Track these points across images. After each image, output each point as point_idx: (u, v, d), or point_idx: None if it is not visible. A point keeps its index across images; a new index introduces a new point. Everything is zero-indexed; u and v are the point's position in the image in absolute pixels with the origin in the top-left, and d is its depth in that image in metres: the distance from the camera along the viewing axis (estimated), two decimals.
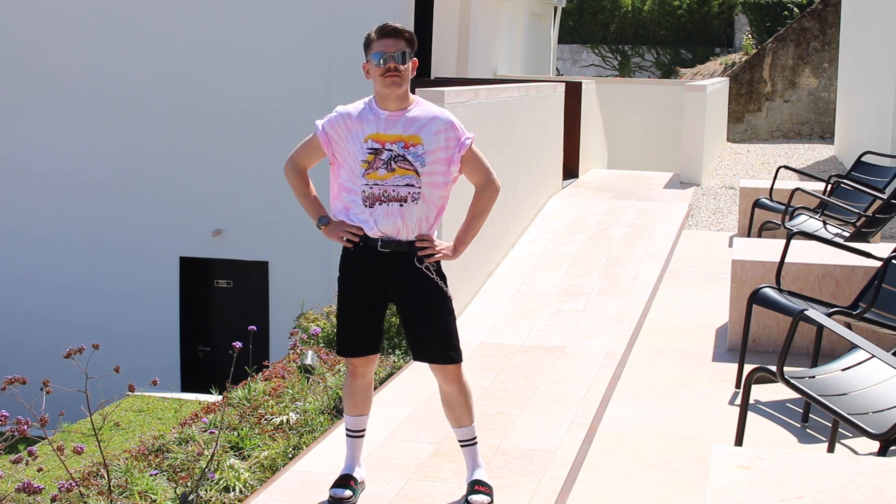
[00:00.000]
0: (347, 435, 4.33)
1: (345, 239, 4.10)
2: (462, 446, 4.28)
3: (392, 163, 4.00)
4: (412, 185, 4.01)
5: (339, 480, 4.27)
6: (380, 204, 4.01)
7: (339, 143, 4.10)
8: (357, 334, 4.19)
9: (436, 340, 4.11)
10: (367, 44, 4.08)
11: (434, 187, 4.06)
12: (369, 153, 4.02)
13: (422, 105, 4.12)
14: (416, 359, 4.24)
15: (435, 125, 4.06)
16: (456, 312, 7.45)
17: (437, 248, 4.10)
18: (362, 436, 4.34)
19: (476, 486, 4.20)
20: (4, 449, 4.45)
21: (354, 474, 4.30)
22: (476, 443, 4.28)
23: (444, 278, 4.17)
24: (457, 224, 4.35)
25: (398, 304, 4.17)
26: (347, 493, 4.21)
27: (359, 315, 4.17)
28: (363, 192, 4.02)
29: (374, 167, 4.01)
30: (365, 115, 4.08)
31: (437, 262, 4.15)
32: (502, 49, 19.01)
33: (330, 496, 4.23)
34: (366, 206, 4.03)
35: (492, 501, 4.20)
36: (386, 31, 4.05)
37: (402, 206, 4.01)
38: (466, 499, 4.19)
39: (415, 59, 4.10)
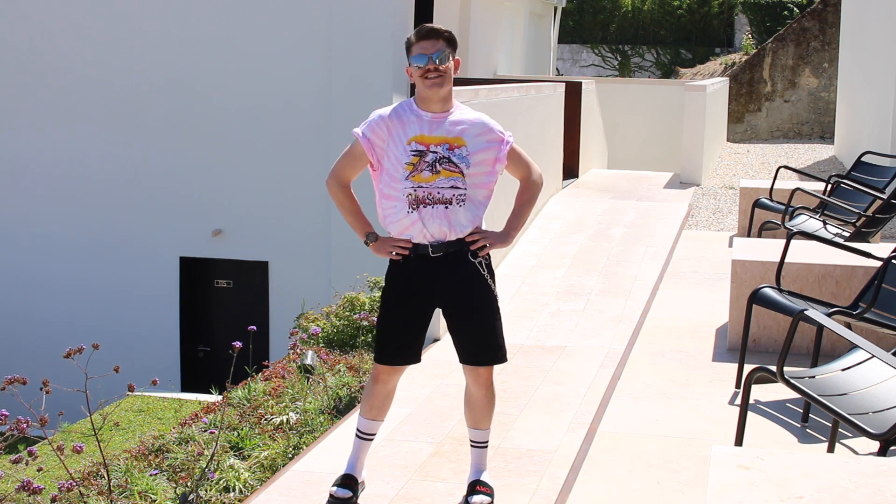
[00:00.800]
0: (357, 436, 4.29)
1: (394, 253, 4.06)
2: (472, 446, 4.26)
3: (437, 165, 3.98)
4: (457, 188, 4.00)
5: (341, 480, 4.25)
6: (425, 207, 3.99)
7: (382, 147, 4.03)
8: (401, 346, 4.15)
9: (485, 339, 4.09)
10: (408, 47, 4.05)
11: (479, 188, 4.07)
12: (414, 155, 3.99)
13: (462, 109, 4.13)
14: (462, 362, 4.17)
15: (477, 128, 4.07)
16: None
17: (489, 238, 4.08)
18: (371, 440, 4.32)
19: (477, 487, 4.20)
20: (4, 449, 4.45)
21: (356, 475, 4.28)
22: (486, 447, 4.27)
23: (493, 276, 4.16)
24: (499, 217, 4.34)
25: (447, 305, 4.11)
26: (348, 493, 4.20)
27: (406, 328, 4.13)
28: (408, 195, 3.98)
29: (418, 169, 3.98)
30: (406, 117, 4.04)
31: (489, 259, 4.14)
32: (502, 49, 19.02)
33: (330, 495, 4.22)
34: (410, 210, 3.99)
35: (492, 502, 4.19)
36: (423, 33, 4.03)
37: (447, 208, 3.99)
38: (467, 499, 4.19)
39: (457, 58, 4.08)
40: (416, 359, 4.20)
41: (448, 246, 4.04)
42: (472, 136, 4.05)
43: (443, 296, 4.10)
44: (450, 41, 4.04)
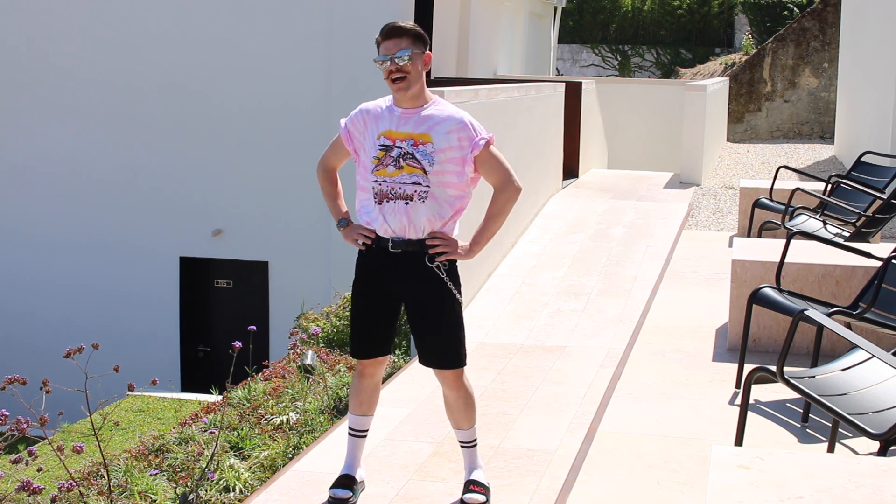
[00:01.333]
0: (350, 434, 4.30)
1: (359, 242, 4.08)
2: (461, 447, 4.29)
3: (400, 160, 3.98)
4: (419, 184, 3.97)
5: (339, 481, 4.25)
6: (387, 201, 4.00)
7: (359, 140, 4.09)
8: (369, 337, 4.16)
9: (437, 343, 4.09)
10: (377, 45, 4.05)
11: (445, 186, 4.00)
12: (380, 149, 4.01)
13: (439, 104, 4.07)
14: (421, 362, 4.22)
15: (448, 124, 4.01)
16: None
17: (450, 247, 4.03)
18: (365, 436, 4.32)
19: (471, 486, 4.20)
20: (4, 449, 4.45)
21: (354, 474, 4.28)
22: (475, 445, 4.27)
23: (456, 281, 4.11)
24: (474, 225, 4.32)
25: (407, 304, 4.13)
26: (347, 493, 4.20)
27: (371, 318, 4.15)
28: (373, 188, 4.02)
29: (383, 164, 3.99)
30: (382, 111, 4.08)
31: (451, 264, 4.09)
32: (502, 49, 19.01)
33: (329, 497, 4.22)
34: (375, 202, 4.02)
35: (487, 501, 4.19)
36: (386, 32, 4.02)
37: (407, 204, 3.98)
38: (462, 499, 4.19)
39: (427, 53, 4.05)
40: (386, 350, 4.22)
41: (408, 244, 4.02)
42: (442, 133, 3.99)
43: (403, 294, 4.12)
44: (416, 38, 4.00)
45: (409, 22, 4.07)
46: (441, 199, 4.01)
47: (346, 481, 4.24)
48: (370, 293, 4.13)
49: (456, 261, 4.12)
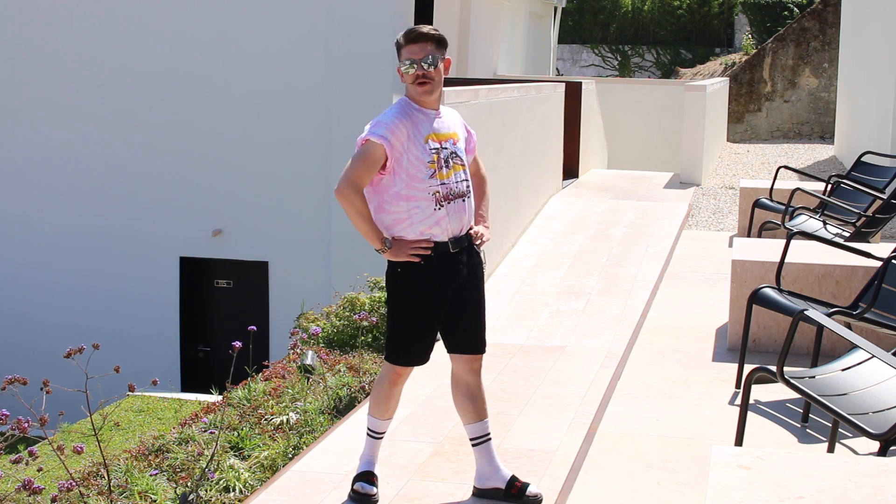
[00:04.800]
0: (370, 436, 4.30)
1: (415, 255, 4.02)
2: (480, 443, 4.22)
3: (449, 160, 4.05)
4: (466, 180, 4.10)
5: (364, 476, 4.26)
6: (448, 203, 4.02)
7: (400, 150, 3.97)
8: (425, 348, 4.15)
9: (477, 330, 4.14)
10: (398, 49, 4.03)
11: (471, 177, 4.21)
12: (434, 153, 4.01)
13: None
14: (451, 351, 4.18)
15: (457, 121, 4.20)
16: None
17: (484, 233, 4.20)
18: (383, 438, 4.35)
19: (517, 482, 4.19)
20: (4, 449, 4.45)
21: (374, 470, 4.31)
22: (491, 437, 4.27)
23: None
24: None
25: (456, 298, 4.11)
26: (374, 489, 4.22)
27: (433, 329, 4.13)
28: (435, 193, 3.98)
29: (438, 167, 4.01)
30: (414, 116, 4.02)
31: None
32: (502, 49, 19.02)
33: (355, 490, 4.22)
34: (436, 208, 3.99)
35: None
36: (412, 37, 4.00)
37: (464, 201, 4.08)
38: (528, 495, 4.16)
39: (448, 58, 4.08)
40: (429, 357, 4.23)
41: (464, 240, 4.10)
42: (460, 129, 4.19)
43: (457, 291, 4.11)
44: (439, 43, 4.03)
45: (430, 27, 4.08)
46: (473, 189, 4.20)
47: (370, 477, 4.26)
48: (434, 303, 4.07)
49: None
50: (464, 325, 4.12)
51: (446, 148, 4.04)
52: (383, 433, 4.31)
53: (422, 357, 4.16)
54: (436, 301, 4.08)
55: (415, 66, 3.97)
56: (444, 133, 4.06)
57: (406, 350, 4.14)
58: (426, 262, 4.04)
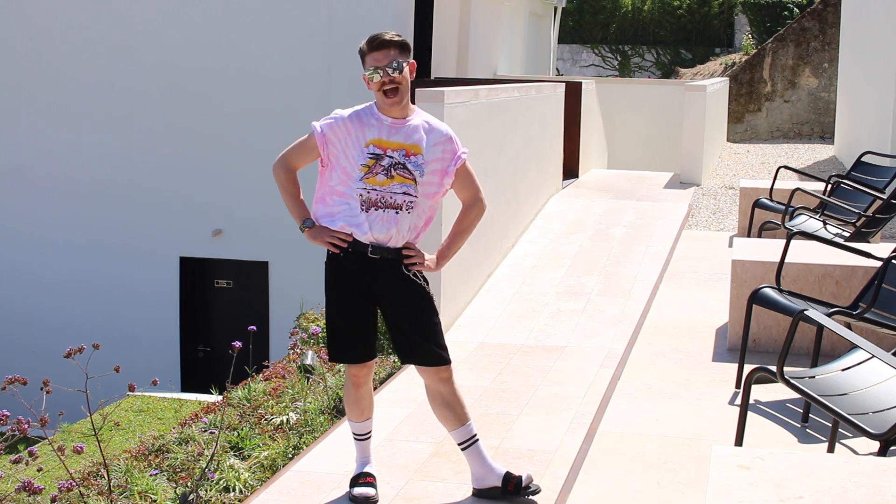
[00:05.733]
0: (356, 439, 4.34)
1: (331, 245, 4.09)
2: (467, 446, 4.22)
3: (392, 170, 4.03)
4: (409, 194, 4.05)
5: (360, 479, 4.27)
6: (376, 209, 4.02)
7: (337, 147, 4.07)
8: (350, 341, 4.17)
9: (429, 343, 4.11)
10: (361, 56, 4.07)
11: (427, 197, 4.12)
12: (370, 158, 4.02)
13: (422, 115, 4.17)
14: (405, 362, 4.26)
15: (435, 136, 4.11)
16: (456, 312, 7.46)
17: (422, 259, 4.14)
18: (370, 437, 4.37)
19: (512, 479, 4.19)
20: (4, 449, 4.45)
21: (372, 471, 4.31)
22: (478, 439, 4.25)
23: (427, 281, 4.21)
24: (439, 235, 4.36)
25: (386, 309, 4.16)
26: (371, 490, 4.22)
27: (351, 321, 4.16)
28: (360, 196, 4.03)
29: (373, 172, 4.01)
30: (367, 119, 4.08)
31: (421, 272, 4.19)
32: (502, 49, 19.02)
33: (354, 496, 4.22)
34: (362, 210, 4.03)
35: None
36: (375, 44, 4.02)
37: (397, 213, 4.04)
38: (514, 490, 4.17)
39: (412, 62, 4.09)
40: (371, 354, 4.23)
41: (387, 251, 4.08)
42: (430, 145, 4.09)
43: (383, 296, 4.14)
44: (402, 48, 4.05)
45: (392, 32, 4.09)
46: (422, 209, 4.13)
47: (367, 479, 4.27)
48: (348, 296, 4.13)
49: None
50: (416, 339, 4.12)
51: (391, 157, 4.02)
52: (366, 433, 4.33)
53: (355, 353, 4.17)
54: (348, 297, 4.11)
55: (380, 72, 3.99)
56: (395, 142, 4.04)
57: (333, 345, 4.21)
58: (343, 255, 4.08)
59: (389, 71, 3.99)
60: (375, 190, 4.02)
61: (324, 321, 7.22)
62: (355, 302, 4.14)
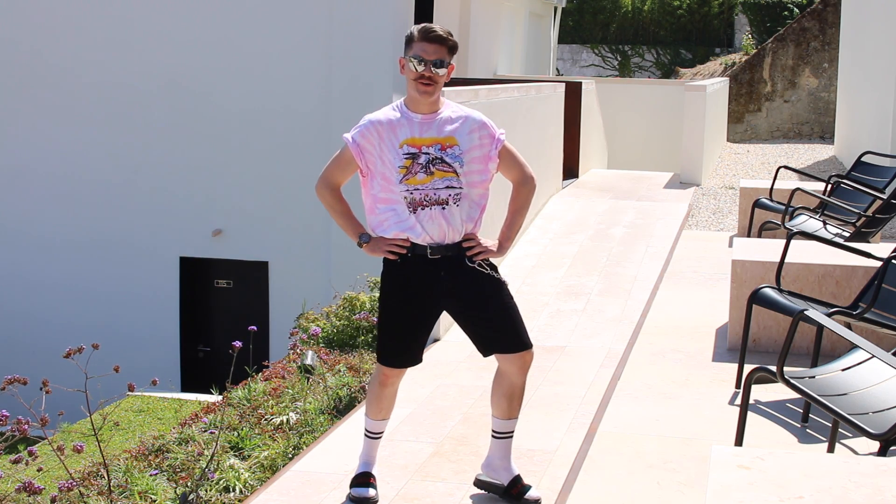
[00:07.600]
0: (367, 436, 4.31)
1: (390, 253, 4.03)
2: (501, 438, 4.22)
3: (430, 166, 3.97)
4: (452, 187, 3.99)
5: (360, 479, 4.26)
6: (423, 209, 3.97)
7: (373, 153, 4.00)
8: (406, 347, 4.13)
9: (514, 328, 4.08)
10: (408, 41, 4.02)
11: (474, 186, 4.05)
12: (406, 158, 3.97)
13: (451, 106, 4.10)
14: (489, 353, 4.15)
15: (468, 125, 4.06)
16: None
17: (485, 247, 4.08)
18: (380, 438, 4.34)
19: (520, 483, 4.20)
20: (4, 449, 4.45)
21: (371, 471, 4.30)
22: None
23: (495, 268, 4.15)
24: (495, 222, 4.31)
25: (456, 306, 4.11)
26: (372, 491, 4.21)
27: (412, 328, 4.11)
28: (405, 198, 3.97)
29: (412, 172, 3.96)
30: (397, 120, 4.02)
31: (487, 259, 4.13)
32: (502, 49, 19.02)
33: (352, 496, 4.21)
34: (410, 212, 3.98)
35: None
36: (429, 37, 3.97)
37: (444, 209, 3.98)
38: (516, 494, 4.16)
39: (453, 64, 4.04)
40: (418, 360, 4.19)
41: (447, 249, 4.02)
42: (464, 134, 4.04)
43: (450, 295, 4.08)
44: (452, 50, 4.01)
45: (447, 30, 4.04)
46: (472, 199, 4.06)
47: (367, 479, 4.25)
48: (409, 302, 4.08)
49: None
50: (499, 326, 4.08)
51: (427, 153, 3.97)
52: (380, 433, 4.30)
53: (405, 359, 4.14)
54: (409, 302, 4.07)
55: (423, 64, 3.94)
56: (429, 138, 3.99)
57: (387, 350, 4.15)
58: (402, 261, 4.04)
59: (433, 67, 3.94)
60: (418, 189, 3.96)
61: (324, 321, 7.23)
62: (416, 307, 4.08)
